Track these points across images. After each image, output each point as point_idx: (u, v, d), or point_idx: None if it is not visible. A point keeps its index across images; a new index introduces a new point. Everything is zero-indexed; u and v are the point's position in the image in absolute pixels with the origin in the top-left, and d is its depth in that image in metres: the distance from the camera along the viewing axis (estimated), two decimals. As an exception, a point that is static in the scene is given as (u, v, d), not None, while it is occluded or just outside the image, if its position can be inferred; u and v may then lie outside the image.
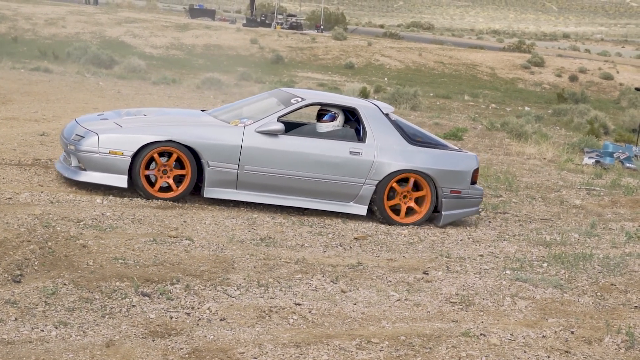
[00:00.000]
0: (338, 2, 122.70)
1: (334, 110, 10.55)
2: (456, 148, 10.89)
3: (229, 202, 10.04)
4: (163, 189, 9.82)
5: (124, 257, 7.33)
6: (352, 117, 10.73)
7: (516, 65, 43.95)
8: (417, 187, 10.40)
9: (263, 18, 52.34)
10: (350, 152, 10.21)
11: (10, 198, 8.87)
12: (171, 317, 6.18)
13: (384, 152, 10.28)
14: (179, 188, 9.78)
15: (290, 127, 10.67)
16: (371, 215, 10.36)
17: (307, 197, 10.17)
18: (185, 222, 8.82)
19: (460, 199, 10.53)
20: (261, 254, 8.01)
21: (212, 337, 5.87)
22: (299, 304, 6.74)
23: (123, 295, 6.45)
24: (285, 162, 10.03)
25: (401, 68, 40.36)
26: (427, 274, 8.03)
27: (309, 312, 6.60)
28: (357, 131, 10.54)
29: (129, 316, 6.11)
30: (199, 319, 6.21)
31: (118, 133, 9.79)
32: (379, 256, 8.60)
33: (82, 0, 62.59)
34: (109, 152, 9.65)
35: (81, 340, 5.57)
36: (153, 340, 5.70)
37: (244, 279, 7.21)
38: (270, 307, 6.60)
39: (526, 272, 8.41)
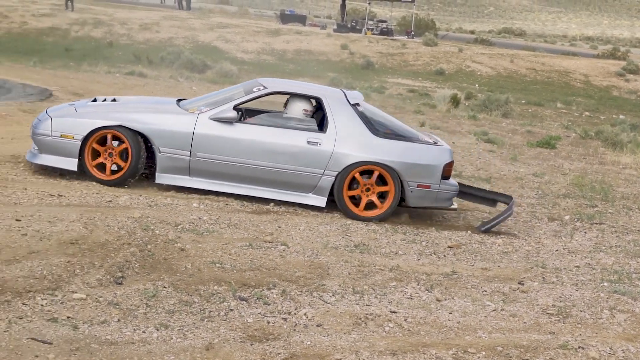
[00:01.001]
0: (428, 7, 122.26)
1: (304, 107, 10.35)
2: (430, 141, 10.43)
3: (322, 208, 10.09)
4: (114, 172, 9.98)
5: (221, 261, 7.43)
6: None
7: (610, 72, 43.19)
8: (382, 181, 10.08)
9: (354, 24, 52.46)
10: (308, 142, 10.02)
11: (110, 201, 9.07)
12: (268, 322, 6.25)
13: (345, 143, 10.03)
14: (121, 171, 9.92)
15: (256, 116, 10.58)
16: (334, 206, 10.14)
17: (264, 186, 10.08)
18: (280, 227, 8.90)
19: (430, 193, 10.14)
20: (355, 260, 8.04)
21: (309, 342, 5.91)
22: (394, 312, 6.74)
23: (221, 299, 6.54)
24: (239, 150, 9.98)
25: (492, 75, 40.03)
26: (523, 284, 7.95)
27: (405, 320, 6.61)
28: (322, 121, 10.36)
29: (227, 320, 6.19)
30: (296, 325, 6.26)
31: (71, 117, 10.07)
32: (473, 265, 8.55)
33: (175, 5, 63.55)
34: (61, 136, 9.94)
35: (181, 342, 5.67)
36: (251, 345, 5.77)
37: (339, 285, 7.24)
38: (366, 314, 6.62)
39: (624, 284, 8.27)
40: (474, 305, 7.18)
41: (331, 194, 10.06)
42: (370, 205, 10.09)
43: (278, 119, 10.35)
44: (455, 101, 24.73)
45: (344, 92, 10.64)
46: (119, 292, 6.40)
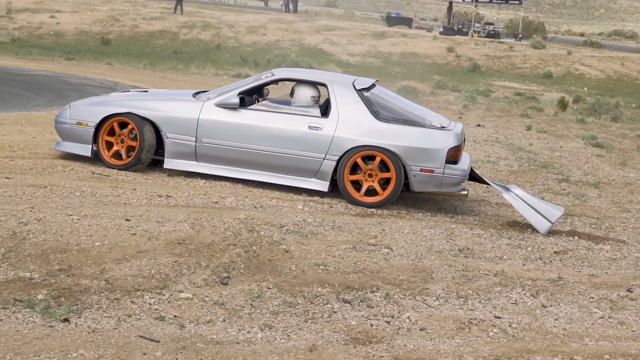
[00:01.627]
0: (537, 9, 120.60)
1: (311, 94, 10.47)
2: (437, 125, 10.25)
3: (426, 212, 10.05)
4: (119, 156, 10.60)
5: (325, 263, 7.47)
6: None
7: None
8: (385, 167, 10.04)
9: (460, 26, 52.05)
10: (310, 127, 10.15)
11: (216, 202, 9.21)
12: (371, 325, 6.25)
13: (346, 128, 10.09)
14: (129, 157, 10.45)
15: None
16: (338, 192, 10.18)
17: (268, 171, 10.28)
18: (383, 230, 8.90)
19: (434, 178, 10.00)
20: (460, 265, 7.99)
21: (412, 346, 5.90)
22: (498, 317, 6.68)
23: (325, 301, 6.57)
24: (242, 136, 10.24)
25: (602, 78, 39.24)
26: (632, 291, 7.78)
27: (509, 325, 6.53)
28: (327, 107, 10.45)
29: (331, 322, 6.22)
30: (399, 328, 6.25)
31: (86, 106, 10.79)
32: (580, 271, 8.40)
33: (282, 8, 64.06)
34: (77, 123, 10.62)
35: (285, 343, 5.72)
36: (354, 347, 5.79)
37: (443, 289, 7.20)
38: (470, 319, 6.57)
39: None
40: (581, 312, 7.06)
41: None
42: (372, 192, 10.12)
43: (283, 105, 10.54)
44: (563, 105, 24.33)
45: (351, 79, 10.70)
46: (225, 292, 6.49)
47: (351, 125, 10.13)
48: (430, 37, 45.77)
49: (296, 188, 10.26)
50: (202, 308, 6.17)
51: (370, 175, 10.08)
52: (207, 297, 6.37)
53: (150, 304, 6.12)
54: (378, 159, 10.00)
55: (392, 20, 55.06)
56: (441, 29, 51.56)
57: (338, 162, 10.08)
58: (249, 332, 5.82)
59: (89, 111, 10.64)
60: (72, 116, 10.68)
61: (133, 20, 45.04)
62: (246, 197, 9.60)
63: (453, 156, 10.04)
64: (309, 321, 6.18)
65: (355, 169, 10.11)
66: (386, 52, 41.16)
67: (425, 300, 6.89)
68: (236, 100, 10.30)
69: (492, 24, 54.47)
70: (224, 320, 5.99)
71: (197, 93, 11.03)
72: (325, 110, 10.46)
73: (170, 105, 10.57)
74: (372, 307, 6.60)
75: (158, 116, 10.43)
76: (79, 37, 39.80)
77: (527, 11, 72.84)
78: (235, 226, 8.16)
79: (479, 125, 18.63)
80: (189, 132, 10.36)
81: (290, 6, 61.70)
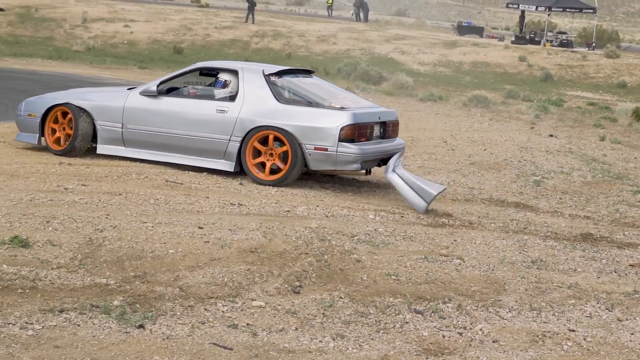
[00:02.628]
0: (611, 18, 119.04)
1: (225, 78, 11.27)
2: (336, 106, 10.70)
3: (498, 222, 9.97)
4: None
5: (397, 273, 7.46)
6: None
7: None
8: (281, 144, 10.54)
9: (532, 35, 51.54)
10: (217, 110, 10.89)
11: (288, 211, 9.25)
12: (444, 336, 6.22)
13: (250, 110, 10.73)
14: (67, 143, 11.45)
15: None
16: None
17: (185, 154, 11.05)
18: (455, 241, 8.85)
19: (328, 156, 10.39)
20: (532, 276, 7.90)
21: (484, 358, 5.85)
22: (573, 330, 6.59)
23: (397, 312, 6.56)
24: (159, 121, 11.12)
25: (678, 87, 38.55)
26: None
27: (584, 339, 6.45)
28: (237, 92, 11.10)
29: (403, 332, 6.21)
30: (471, 340, 6.21)
31: (37, 99, 12.06)
32: (656, 285, 8.25)
33: (352, 17, 64.16)
34: (28, 115, 11.80)
35: (357, 353, 5.72)
36: (426, 358, 5.77)
37: (516, 301, 7.13)
38: (544, 331, 6.50)
39: None
40: (657, 326, 6.94)
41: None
42: (276, 171, 10.67)
43: (198, 92, 11.39)
44: (637, 115, 23.95)
45: (262, 66, 11.49)
46: (297, 301, 6.51)
47: (254, 107, 10.77)
48: (502, 47, 45.45)
49: (367, 196, 10.32)
50: (274, 316, 6.20)
51: (272, 155, 10.63)
52: (280, 305, 6.40)
53: (223, 311, 6.17)
54: (271, 137, 10.56)
55: (464, 29, 54.77)
56: (513, 38, 51.12)
57: (241, 142, 10.70)
58: (321, 342, 5.83)
59: (37, 104, 11.87)
60: (25, 109, 11.89)
61: (205, 29, 45.52)
62: (317, 206, 9.63)
63: (346, 135, 10.39)
64: (381, 331, 6.17)
65: (259, 153, 10.72)
66: (457, 61, 40.99)
67: (497, 312, 6.84)
68: (154, 88, 11.26)
69: (565, 32, 53.89)
70: (296, 329, 6.02)
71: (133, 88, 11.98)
72: (235, 95, 11.08)
73: (103, 95, 11.80)
74: (444, 318, 6.56)
75: (91, 105, 11.44)
76: (152, 45, 40.35)
77: (601, 20, 71.92)
78: (306, 235, 8.19)
79: (551, 136, 18.43)
80: (116, 119, 11.35)
81: (361, 15, 61.75)
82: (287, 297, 6.59)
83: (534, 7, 51.53)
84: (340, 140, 10.35)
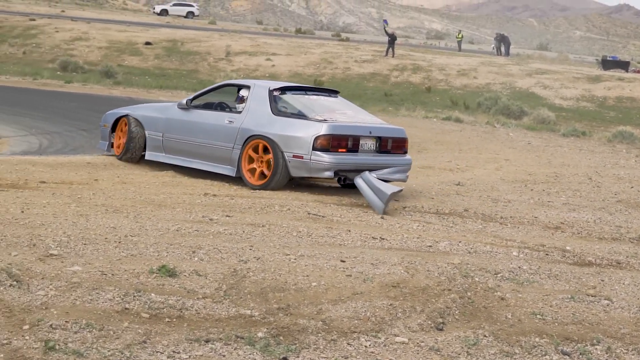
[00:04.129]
0: None
1: (243, 94, 12.30)
2: (318, 118, 11.51)
3: (648, 262, 9.66)
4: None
5: (542, 312, 7.28)
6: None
7: None
8: (267, 152, 11.56)
9: (680, 70, 50.13)
10: (226, 121, 12.12)
11: (430, 246, 9.17)
12: (592, 380, 6.03)
13: (250, 121, 11.81)
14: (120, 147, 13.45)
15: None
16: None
17: (205, 160, 12.29)
18: (602, 280, 8.59)
19: (304, 163, 11.25)
20: (685, 320, 7.59)
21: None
22: None
23: (543, 352, 6.39)
24: (186, 130, 12.55)
25: None
26: None
27: None
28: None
29: (550, 374, 6.04)
30: (622, 384, 6.00)
31: (110, 112, 13.94)
32: None
33: (494, 52, 63.71)
34: (104, 126, 13.93)
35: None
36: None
37: (668, 346, 6.86)
38: (698, 379, 6.23)
39: None
40: None
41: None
42: (260, 175, 11.72)
43: (217, 104, 12.78)
44: None
45: (276, 83, 12.58)
46: (440, 338, 6.42)
47: (254, 119, 11.83)
48: (648, 81, 44.25)
49: (510, 233, 10.15)
50: (417, 353, 6.13)
51: (261, 162, 11.68)
52: (423, 342, 6.32)
53: (366, 346, 6.13)
54: (261, 145, 11.60)
55: (608, 64, 53.70)
56: (660, 73, 49.75)
57: (241, 150, 11.75)
58: (466, 381, 5.73)
59: (110, 115, 13.76)
60: (103, 121, 13.92)
61: (345, 62, 45.92)
62: (460, 241, 9.52)
63: (320, 144, 11.23)
64: (529, 372, 6.02)
65: (253, 160, 11.79)
66: (601, 96, 40.12)
67: (649, 356, 6.59)
68: (184, 101, 12.76)
69: None
70: (440, 366, 5.93)
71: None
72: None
73: (154, 108, 13.49)
74: (592, 361, 6.36)
75: (143, 116, 13.17)
76: (292, 78, 40.90)
77: None
78: (449, 271, 8.09)
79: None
80: (158, 129, 12.91)
81: (502, 49, 61.25)
82: (430, 334, 6.51)
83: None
84: (314, 149, 11.23)
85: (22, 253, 7.31)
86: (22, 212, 9.03)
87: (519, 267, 8.63)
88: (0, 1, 75.71)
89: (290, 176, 11.52)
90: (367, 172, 11.16)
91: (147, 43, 48.39)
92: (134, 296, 6.49)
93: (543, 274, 8.51)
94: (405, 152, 12.20)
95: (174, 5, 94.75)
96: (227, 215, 9.74)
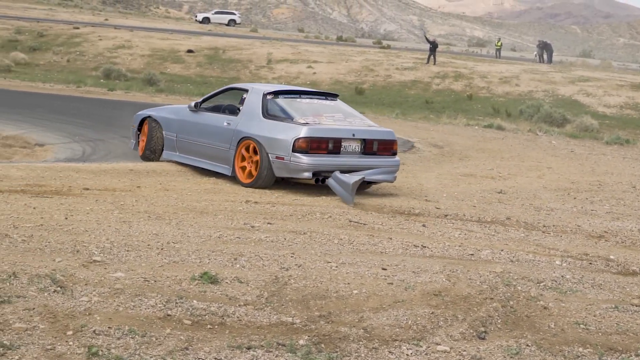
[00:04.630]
0: None
1: (245, 96, 12.85)
2: (301, 121, 11.98)
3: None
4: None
5: (586, 322, 7.21)
6: None
7: None
8: (256, 152, 12.10)
9: None
10: (225, 123, 12.73)
11: (472, 254, 9.13)
12: (637, 390, 5.96)
13: (244, 123, 12.40)
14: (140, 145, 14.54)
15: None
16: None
17: (209, 160, 12.92)
18: (647, 290, 8.49)
19: (285, 164, 11.78)
20: None
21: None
22: None
23: (586, 362, 6.33)
24: (194, 131, 13.30)
25: None
26: None
27: None
28: None
29: (593, 385, 5.98)
30: (667, 396, 5.92)
31: (139, 113, 14.70)
32: None
33: (536, 59, 63.35)
34: (132, 126, 14.78)
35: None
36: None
37: None
38: None
39: None
40: None
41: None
42: (249, 174, 12.28)
43: (225, 106, 13.27)
44: None
45: (267, 87, 13.12)
46: (482, 347, 6.38)
47: (247, 121, 12.42)
48: (694, 89, 43.75)
49: (552, 241, 10.06)
50: (459, 362, 6.10)
51: (251, 162, 12.21)
52: (465, 351, 6.28)
53: (407, 354, 6.11)
54: (251, 146, 12.16)
55: (652, 71, 53.05)
56: None
57: (235, 150, 12.34)
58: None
59: (137, 116, 14.63)
60: (133, 121, 14.71)
61: (386, 70, 45.87)
62: (502, 250, 9.46)
63: (299, 146, 11.71)
64: (570, 382, 5.96)
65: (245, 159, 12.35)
66: (644, 103, 39.69)
67: (694, 367, 6.50)
68: (193, 103, 13.52)
69: None
70: (484, 376, 5.89)
71: None
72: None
73: (171, 110, 14.25)
74: (636, 372, 6.29)
75: (161, 118, 14.00)
76: (333, 86, 40.93)
77: None
78: (491, 279, 8.05)
79: None
80: (173, 130, 13.68)
81: (545, 56, 60.88)
82: (472, 343, 6.47)
83: None
84: (294, 150, 11.71)
85: (66, 259, 7.39)
86: (66, 218, 9.11)
87: (562, 276, 8.56)
88: (45, 10, 76.65)
89: (274, 176, 12.03)
90: (336, 172, 11.68)
91: (189, 51, 48.67)
92: (176, 303, 6.52)
93: (586, 283, 8.44)
94: (394, 154, 12.59)
95: (216, 13, 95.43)
96: (268, 223, 9.77)
